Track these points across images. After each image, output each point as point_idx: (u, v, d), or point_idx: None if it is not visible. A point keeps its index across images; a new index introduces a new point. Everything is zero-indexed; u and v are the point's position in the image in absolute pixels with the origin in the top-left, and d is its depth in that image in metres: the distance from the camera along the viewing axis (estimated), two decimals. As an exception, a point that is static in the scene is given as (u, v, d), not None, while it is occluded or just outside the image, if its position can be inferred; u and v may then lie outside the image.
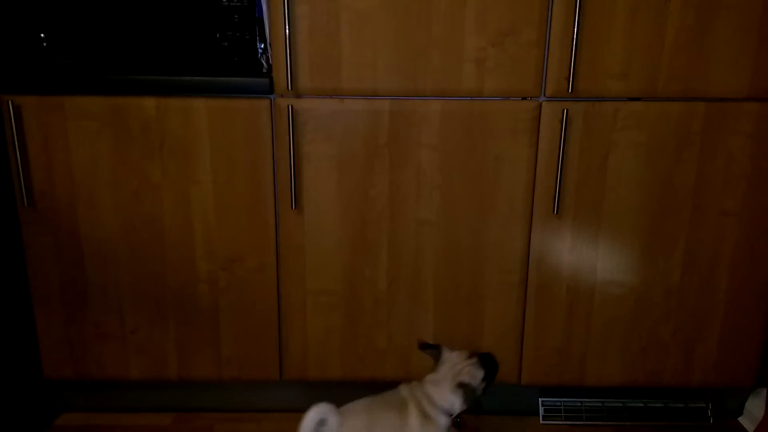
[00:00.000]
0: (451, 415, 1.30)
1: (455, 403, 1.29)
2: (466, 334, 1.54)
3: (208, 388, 1.66)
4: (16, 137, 1.39)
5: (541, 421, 1.64)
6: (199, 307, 1.52)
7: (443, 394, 1.29)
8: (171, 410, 1.67)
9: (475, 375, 1.30)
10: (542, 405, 1.66)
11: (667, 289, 1.51)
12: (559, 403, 1.66)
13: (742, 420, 1.67)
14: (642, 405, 1.66)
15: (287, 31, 1.33)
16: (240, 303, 1.52)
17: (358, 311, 1.52)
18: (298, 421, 1.63)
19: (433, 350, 1.34)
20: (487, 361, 1.32)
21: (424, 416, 1.28)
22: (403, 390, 1.33)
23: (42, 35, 1.39)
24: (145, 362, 1.56)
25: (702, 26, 1.34)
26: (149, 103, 1.39)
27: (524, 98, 1.39)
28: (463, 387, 1.28)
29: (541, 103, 1.39)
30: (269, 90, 1.38)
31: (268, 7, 1.35)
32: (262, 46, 1.43)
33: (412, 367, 1.51)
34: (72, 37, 1.40)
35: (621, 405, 1.66)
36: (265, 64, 1.43)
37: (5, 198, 1.44)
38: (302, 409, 1.66)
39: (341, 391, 1.63)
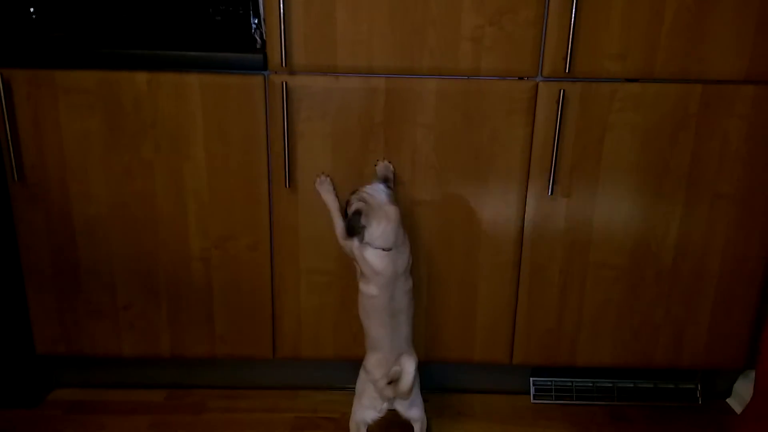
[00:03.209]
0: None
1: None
2: (459, 313, 1.55)
3: (201, 365, 1.66)
4: (5, 111, 1.37)
5: (531, 401, 1.66)
6: (192, 284, 1.52)
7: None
8: (164, 387, 1.67)
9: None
10: (533, 385, 1.67)
11: (659, 272, 1.51)
12: (549, 383, 1.67)
13: (731, 401, 1.69)
14: (632, 385, 1.68)
15: (282, 6, 1.31)
16: (233, 281, 1.52)
17: (351, 290, 1.52)
18: (291, 398, 1.65)
19: (357, 220, 1.32)
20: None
21: None
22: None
23: (31, 8, 1.36)
24: (137, 339, 1.56)
25: (700, 8, 1.33)
26: (141, 78, 1.37)
27: (521, 78, 1.38)
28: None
29: (537, 83, 1.38)
30: (263, 66, 1.36)
31: (263, -18, 1.33)
32: (256, 21, 1.41)
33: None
34: (62, 10, 1.37)
35: (611, 385, 1.68)
36: (259, 39, 1.41)
37: (-5, 173, 1.43)
38: (295, 387, 1.68)
39: (334, 369, 1.64)
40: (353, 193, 1.36)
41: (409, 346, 1.38)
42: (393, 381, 1.33)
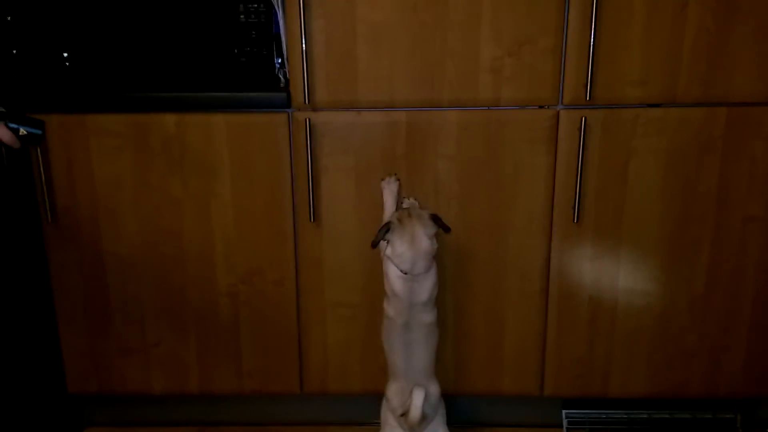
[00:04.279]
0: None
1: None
2: (487, 344, 1.53)
3: (230, 401, 1.66)
4: (40, 155, 1.42)
5: (565, 434, 1.62)
6: (220, 320, 1.53)
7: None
8: (193, 424, 1.67)
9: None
10: (566, 417, 1.63)
11: (692, 297, 1.48)
12: (582, 415, 1.63)
13: (773, 431, 1.63)
14: (668, 416, 1.63)
15: (304, 45, 1.34)
16: (260, 316, 1.53)
17: (376, 323, 1.51)
18: (318, 434, 1.63)
19: (381, 234, 1.30)
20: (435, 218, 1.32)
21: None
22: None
23: (65, 54, 1.41)
24: (167, 376, 1.57)
25: (721, 30, 1.33)
26: (170, 119, 1.40)
27: (542, 107, 1.38)
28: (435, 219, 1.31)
29: (558, 112, 1.38)
30: (287, 104, 1.39)
31: (285, 23, 1.37)
32: (279, 61, 1.44)
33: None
34: (94, 56, 1.42)
35: (647, 416, 1.63)
36: (282, 78, 1.44)
37: (31, 215, 1.47)
38: (323, 423, 1.66)
39: (362, 404, 1.63)
40: (403, 205, 1.38)
41: (426, 378, 1.36)
42: (405, 413, 1.32)
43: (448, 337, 1.52)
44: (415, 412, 1.28)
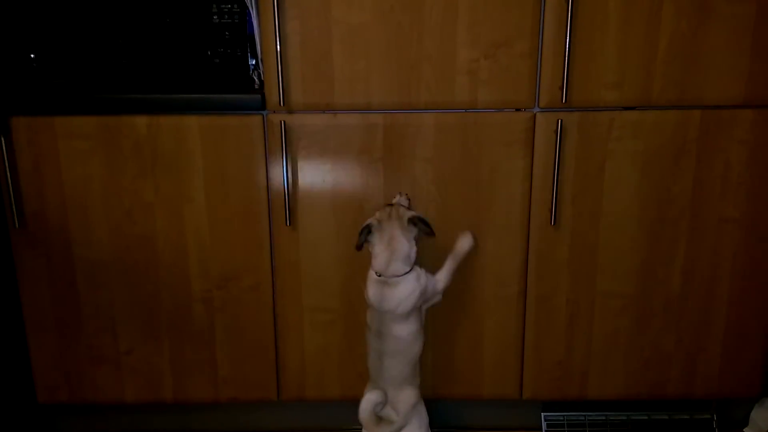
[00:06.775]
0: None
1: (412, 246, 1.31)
2: (466, 348, 1.52)
3: (206, 409, 1.63)
4: (6, 158, 1.38)
5: (544, 437, 1.62)
6: (195, 326, 1.50)
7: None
8: (167, 433, 1.64)
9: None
10: (545, 420, 1.63)
11: (668, 299, 1.49)
12: (561, 418, 1.63)
13: (748, 431, 1.64)
14: (646, 417, 1.64)
15: (278, 47, 1.32)
16: (236, 322, 1.50)
17: (355, 328, 1.50)
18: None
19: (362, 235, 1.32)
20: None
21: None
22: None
23: (32, 56, 1.38)
24: (140, 384, 1.54)
25: (695, 34, 1.34)
26: (141, 121, 1.38)
27: (518, 109, 1.38)
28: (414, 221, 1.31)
29: (535, 114, 1.38)
30: (261, 106, 1.37)
31: (259, 24, 1.35)
32: (254, 62, 1.42)
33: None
34: (62, 57, 1.39)
35: (625, 418, 1.63)
36: (256, 80, 1.43)
37: (-4, 220, 1.43)
38: (301, 430, 1.64)
39: (340, 410, 1.61)
40: (394, 201, 1.38)
41: (396, 386, 1.35)
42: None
43: (428, 342, 1.50)
44: (360, 414, 1.31)
